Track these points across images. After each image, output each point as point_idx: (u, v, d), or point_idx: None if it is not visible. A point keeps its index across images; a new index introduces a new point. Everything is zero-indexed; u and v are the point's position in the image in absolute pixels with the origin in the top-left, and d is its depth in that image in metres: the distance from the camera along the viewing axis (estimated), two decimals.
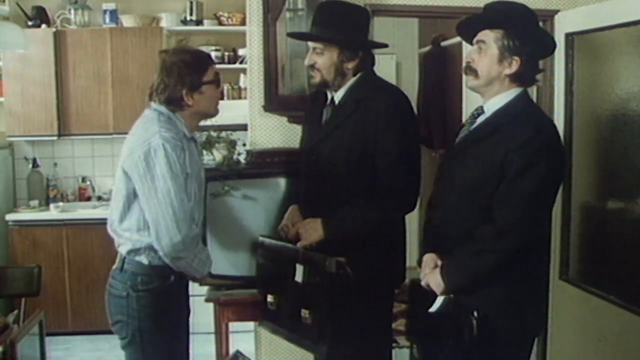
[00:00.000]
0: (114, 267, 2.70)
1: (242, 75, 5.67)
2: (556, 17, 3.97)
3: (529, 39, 2.38)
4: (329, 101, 2.90)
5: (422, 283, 2.54)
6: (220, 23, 5.69)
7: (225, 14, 5.66)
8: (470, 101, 5.56)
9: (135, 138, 2.59)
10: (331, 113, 2.87)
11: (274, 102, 3.55)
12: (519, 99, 2.42)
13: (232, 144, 3.29)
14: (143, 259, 2.62)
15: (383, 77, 2.94)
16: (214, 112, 2.77)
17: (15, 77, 5.47)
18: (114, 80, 5.48)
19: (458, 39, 5.62)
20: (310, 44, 2.83)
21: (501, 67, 2.37)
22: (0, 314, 3.28)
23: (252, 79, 3.65)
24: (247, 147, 3.49)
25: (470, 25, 2.52)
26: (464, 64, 2.52)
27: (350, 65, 2.79)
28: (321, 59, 2.78)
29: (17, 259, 5.33)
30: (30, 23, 5.50)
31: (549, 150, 2.34)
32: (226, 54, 5.71)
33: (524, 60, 2.36)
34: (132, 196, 2.59)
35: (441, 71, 6.05)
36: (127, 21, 5.57)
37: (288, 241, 2.87)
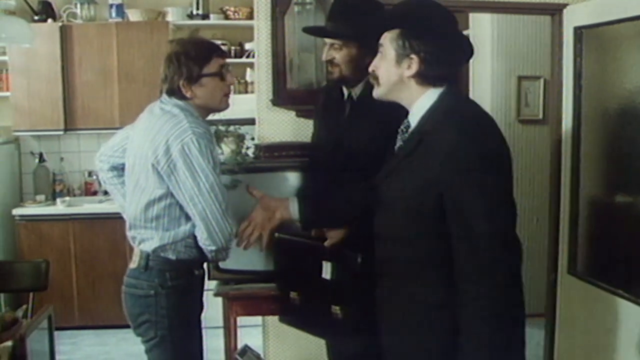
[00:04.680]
0: (133, 266, 2.62)
1: (248, 70, 5.67)
2: (565, 10, 3.95)
3: (428, 35, 2.10)
4: (346, 96, 2.84)
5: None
6: (227, 17, 5.69)
7: (232, 8, 5.65)
8: (476, 96, 5.55)
9: (163, 134, 2.48)
10: (352, 108, 2.81)
11: (282, 96, 3.55)
12: (441, 100, 2.14)
13: (240, 138, 3.28)
14: (170, 255, 2.57)
15: None
16: (218, 106, 2.67)
17: (21, 72, 5.48)
18: (120, 74, 5.48)
19: (464, 32, 5.66)
20: (327, 39, 2.78)
21: (400, 69, 2.14)
22: (9, 309, 3.28)
23: (260, 73, 3.65)
24: (255, 142, 3.48)
25: (372, 29, 2.32)
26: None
27: (370, 59, 2.75)
28: (339, 55, 2.72)
29: (23, 253, 5.35)
30: (36, 17, 5.51)
31: (482, 155, 2.01)
32: (232, 48, 5.70)
33: (422, 58, 2.10)
34: (160, 193, 2.52)
35: None
36: (133, 15, 5.57)
37: (310, 237, 2.81)
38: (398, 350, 2.26)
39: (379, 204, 2.27)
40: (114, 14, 5.58)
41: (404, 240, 2.17)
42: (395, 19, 2.19)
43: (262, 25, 3.61)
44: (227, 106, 2.69)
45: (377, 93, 2.27)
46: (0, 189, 5.46)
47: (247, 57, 5.61)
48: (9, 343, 2.83)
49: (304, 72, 3.56)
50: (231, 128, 3.38)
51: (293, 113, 3.64)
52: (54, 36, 5.43)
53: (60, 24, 5.51)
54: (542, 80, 5.35)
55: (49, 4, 5.58)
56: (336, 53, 2.72)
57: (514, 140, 5.38)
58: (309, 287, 2.77)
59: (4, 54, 5.53)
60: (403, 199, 2.15)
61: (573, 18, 3.89)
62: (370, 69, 2.27)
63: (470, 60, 5.61)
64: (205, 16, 5.63)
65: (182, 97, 2.55)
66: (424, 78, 2.13)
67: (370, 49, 2.67)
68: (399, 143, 2.25)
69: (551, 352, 4.22)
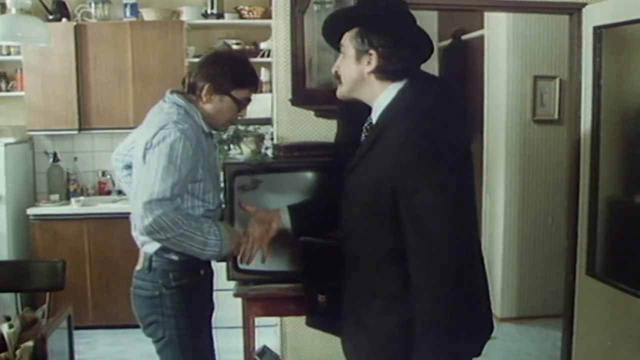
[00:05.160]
0: (138, 267, 2.64)
1: (262, 69, 5.65)
2: (584, 10, 3.94)
3: (385, 30, 2.14)
4: None
5: None
6: (241, 16, 5.68)
7: (246, 8, 5.64)
8: (491, 96, 5.54)
9: (153, 128, 2.49)
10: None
11: (301, 96, 3.51)
12: (400, 95, 2.16)
13: (260, 138, 3.26)
14: (173, 256, 2.57)
15: None
16: (217, 126, 2.70)
17: (35, 72, 5.49)
18: (134, 74, 5.48)
19: (479, 32, 5.66)
20: None
21: (360, 65, 2.17)
22: (29, 308, 3.28)
23: (278, 72, 3.64)
24: (275, 141, 3.46)
25: (330, 30, 2.32)
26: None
27: None
28: None
29: (38, 253, 5.35)
30: (50, 17, 5.51)
31: (431, 151, 2.02)
32: (247, 47, 5.68)
33: (380, 53, 2.13)
34: None
35: (462, 65, 6.02)
36: (147, 15, 5.57)
37: (337, 240, 2.81)
38: (356, 342, 2.30)
39: (343, 200, 2.30)
40: (128, 13, 5.58)
41: (364, 234, 2.21)
42: (353, 18, 2.21)
43: (280, 24, 3.60)
44: (225, 129, 2.80)
45: (339, 92, 2.29)
46: (15, 189, 5.46)
47: (262, 56, 5.59)
48: (30, 343, 2.82)
49: (323, 71, 3.52)
50: (250, 128, 3.37)
51: (312, 113, 3.62)
52: (69, 35, 5.44)
53: (74, 23, 5.51)
54: (557, 80, 5.32)
55: (63, 4, 5.59)
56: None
57: (529, 140, 5.37)
58: (337, 289, 2.75)
59: (18, 53, 5.55)
60: (360, 194, 2.19)
61: (592, 17, 3.87)
62: (332, 70, 2.30)
63: (485, 60, 5.63)
64: (219, 15, 5.62)
65: (197, 97, 2.58)
66: (384, 73, 2.16)
67: None
68: (362, 139, 2.29)
69: (569, 353, 4.19)
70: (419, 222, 2.01)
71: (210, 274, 2.78)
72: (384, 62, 2.14)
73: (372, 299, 2.23)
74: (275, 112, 3.70)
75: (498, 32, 5.41)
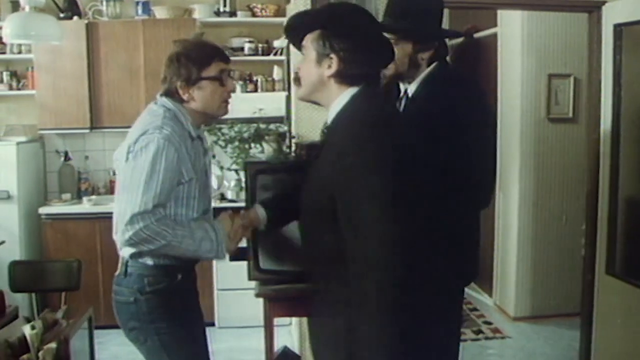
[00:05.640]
0: (117, 273, 2.59)
1: (275, 67, 5.63)
2: (604, 7, 3.92)
3: (347, 34, 2.14)
4: (402, 93, 2.81)
5: None
6: (254, 14, 5.64)
7: (259, 5, 5.61)
8: (505, 95, 5.51)
9: (137, 132, 2.41)
10: (407, 105, 2.77)
11: None
12: (351, 101, 2.15)
13: (281, 137, 3.25)
14: (147, 260, 2.49)
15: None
16: (216, 112, 2.58)
17: (47, 70, 5.45)
18: (146, 72, 5.42)
19: (492, 30, 5.63)
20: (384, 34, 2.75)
21: (321, 68, 2.15)
22: (50, 310, 3.25)
23: None
24: (296, 140, 3.44)
25: (293, 31, 2.31)
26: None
27: (425, 55, 2.70)
28: (396, 50, 2.70)
29: (49, 252, 5.32)
30: (62, 15, 5.47)
31: (368, 158, 2.00)
32: (260, 45, 5.66)
33: (341, 57, 2.12)
34: None
35: (474, 64, 5.98)
36: (159, 12, 5.53)
37: None
38: (314, 345, 2.35)
39: (299, 202, 2.32)
40: (140, 11, 5.54)
41: (312, 237, 2.23)
42: (316, 20, 2.21)
43: None
44: (225, 112, 2.61)
45: (298, 94, 2.29)
46: (26, 188, 5.43)
47: (275, 54, 5.56)
48: (53, 345, 2.80)
49: None
50: (272, 126, 3.35)
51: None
52: (80, 34, 5.40)
53: (86, 21, 5.47)
54: (572, 79, 5.30)
55: (75, 2, 5.55)
56: None
57: (543, 139, 5.34)
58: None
59: (29, 52, 5.51)
60: (308, 197, 2.21)
61: (612, 15, 3.85)
62: (293, 71, 2.32)
63: (499, 58, 5.60)
64: (232, 13, 5.59)
65: (180, 99, 2.49)
66: (343, 78, 2.15)
67: (426, 46, 2.67)
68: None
69: (588, 352, 4.17)
70: (356, 230, 2.01)
71: (192, 278, 2.68)
72: (344, 66, 2.13)
73: (321, 301, 2.24)
74: (293, 110, 3.66)
75: (512, 30, 5.38)
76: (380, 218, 1.98)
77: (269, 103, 5.24)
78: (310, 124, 3.64)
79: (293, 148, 3.34)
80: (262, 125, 3.22)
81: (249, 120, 4.13)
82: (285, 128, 3.48)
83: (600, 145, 3.98)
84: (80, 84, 5.45)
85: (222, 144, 4.06)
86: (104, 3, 5.52)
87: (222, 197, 5.44)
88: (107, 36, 5.44)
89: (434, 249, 2.57)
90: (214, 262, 5.20)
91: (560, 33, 5.27)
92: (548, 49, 5.28)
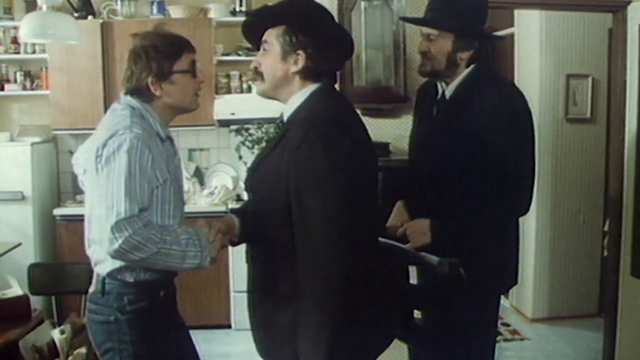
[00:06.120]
0: (92, 290, 2.38)
1: None
2: (629, 7, 3.88)
3: (314, 31, 2.16)
4: (439, 95, 2.75)
5: (399, 231, 2.58)
6: None
7: None
8: None
9: (104, 135, 2.22)
10: (441, 108, 2.72)
11: (348, 95, 3.45)
12: (312, 96, 2.17)
13: None
14: (127, 277, 2.29)
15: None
16: (189, 106, 2.41)
17: (61, 70, 5.41)
18: None
19: (509, 30, 5.59)
20: (424, 30, 2.67)
21: (286, 65, 2.15)
22: (75, 314, 3.22)
23: None
24: None
25: (252, 25, 2.29)
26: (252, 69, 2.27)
27: (464, 55, 2.63)
28: (435, 47, 2.63)
29: (64, 254, 5.28)
30: (76, 14, 5.42)
31: (321, 158, 2.00)
32: None
33: (308, 53, 2.13)
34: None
35: (490, 63, 5.94)
36: (174, 12, 5.49)
37: (397, 240, 2.69)
38: (258, 338, 2.30)
39: (248, 194, 2.36)
40: (155, 11, 5.50)
41: (262, 230, 2.19)
42: (279, 16, 2.19)
43: None
44: (197, 106, 2.45)
45: (259, 89, 2.25)
46: (40, 189, 5.40)
47: None
48: (83, 350, 2.77)
49: (370, 69, 3.48)
50: None
51: (358, 112, 3.55)
52: (95, 33, 5.36)
53: (100, 20, 5.43)
54: (590, 79, 5.27)
55: (88, 1, 5.51)
56: (431, 45, 2.64)
57: (561, 139, 5.31)
58: (396, 292, 2.68)
59: (43, 51, 5.47)
60: (260, 190, 2.21)
61: (638, 15, 3.81)
62: (252, 66, 2.25)
63: (516, 58, 5.56)
64: (248, 13, 5.53)
65: (149, 97, 2.32)
66: (308, 74, 2.16)
67: (466, 43, 2.62)
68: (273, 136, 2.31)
69: (612, 354, 4.14)
70: (307, 227, 2.01)
71: (172, 290, 2.50)
72: (311, 63, 2.14)
73: (266, 295, 2.22)
74: None
75: (530, 30, 5.35)
76: (327, 215, 1.98)
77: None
78: None
79: None
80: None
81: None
82: None
83: (625, 145, 3.95)
84: (95, 84, 5.41)
85: (249, 144, 3.99)
86: (119, 2, 5.49)
87: (238, 198, 5.42)
88: (122, 36, 5.37)
89: (479, 254, 2.56)
90: (230, 264, 5.17)
91: (578, 33, 5.24)
92: (566, 49, 5.25)
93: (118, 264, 2.24)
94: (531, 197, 2.65)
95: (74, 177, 5.61)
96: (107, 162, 2.17)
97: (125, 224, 2.10)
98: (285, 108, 2.21)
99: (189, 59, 2.37)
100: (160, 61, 2.29)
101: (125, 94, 2.35)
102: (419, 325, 2.67)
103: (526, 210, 2.69)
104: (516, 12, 5.50)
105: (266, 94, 2.24)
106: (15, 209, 5.21)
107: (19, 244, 4.64)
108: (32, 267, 3.94)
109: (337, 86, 3.42)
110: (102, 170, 2.18)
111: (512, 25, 5.61)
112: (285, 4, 2.20)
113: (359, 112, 3.51)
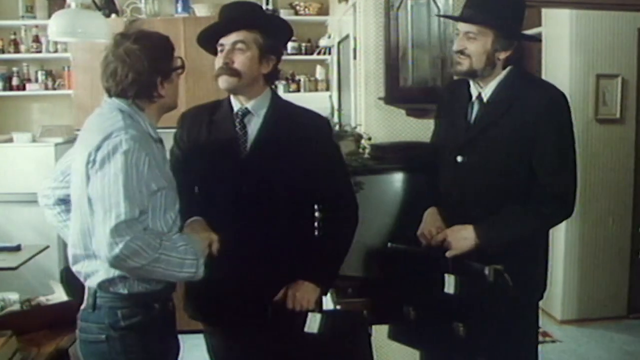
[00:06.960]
0: (82, 307, 2.22)
1: (318, 67, 5.53)
2: None
3: (281, 39, 2.53)
4: (474, 97, 2.66)
5: (437, 237, 2.58)
6: (297, 13, 5.55)
7: (302, 4, 5.52)
8: None
9: (96, 140, 2.10)
10: (480, 111, 2.63)
11: (394, 94, 3.40)
12: (263, 98, 2.48)
13: (359, 138, 3.15)
14: (121, 289, 2.14)
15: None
16: (175, 103, 2.36)
17: (84, 69, 5.30)
18: (187, 71, 5.24)
19: (536, 30, 5.54)
20: (462, 27, 2.57)
21: (261, 66, 2.42)
22: None
23: (368, 70, 3.51)
24: (372, 142, 3.32)
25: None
26: (221, 65, 2.44)
27: (503, 55, 2.55)
28: (473, 45, 2.53)
29: None
30: (99, 13, 5.35)
31: None
32: (303, 44, 5.55)
33: (277, 59, 2.46)
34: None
35: (516, 63, 5.88)
36: (199, 10, 5.42)
37: (430, 248, 2.65)
38: None
39: None
40: (179, 9, 5.45)
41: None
42: (255, 20, 2.43)
43: (370, 20, 3.48)
44: (177, 104, 2.40)
45: (231, 84, 2.43)
46: None
47: (319, 54, 5.46)
48: None
49: (417, 69, 3.42)
50: (347, 127, 3.26)
51: (403, 112, 3.50)
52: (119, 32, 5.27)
53: (124, 19, 5.35)
54: (619, 79, 5.22)
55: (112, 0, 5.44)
56: (469, 43, 2.54)
57: (591, 140, 5.26)
58: (427, 301, 2.61)
59: (65, 50, 5.40)
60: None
61: None
62: (223, 62, 2.42)
63: (544, 58, 5.50)
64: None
65: (151, 97, 2.22)
66: (269, 78, 2.48)
67: (506, 43, 2.54)
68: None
69: None
70: None
71: (171, 307, 2.33)
72: (274, 68, 2.46)
73: None
74: (362, 111, 3.57)
75: (559, 30, 5.30)
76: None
77: (313, 103, 5.13)
78: (381, 124, 3.56)
79: (367, 149, 3.23)
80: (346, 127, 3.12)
81: None
82: (354, 129, 3.37)
83: None
84: None
85: None
86: (142, 1, 5.42)
87: None
88: None
89: (522, 261, 2.51)
90: None
91: (607, 33, 5.19)
92: (596, 49, 5.19)
93: (112, 273, 2.11)
94: (575, 201, 2.58)
95: None
96: (102, 165, 2.06)
97: (125, 227, 1.99)
98: (254, 108, 2.47)
99: (176, 56, 2.35)
100: (165, 61, 2.27)
101: (111, 96, 2.23)
102: (459, 337, 2.57)
103: (570, 214, 2.61)
104: (544, 11, 5.45)
105: (237, 89, 2.45)
106: (39, 212, 5.12)
107: (47, 247, 4.57)
108: (65, 271, 3.86)
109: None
110: (95, 174, 2.07)
111: (539, 25, 5.55)
112: (253, 7, 2.49)
113: (402, 112, 3.52)
